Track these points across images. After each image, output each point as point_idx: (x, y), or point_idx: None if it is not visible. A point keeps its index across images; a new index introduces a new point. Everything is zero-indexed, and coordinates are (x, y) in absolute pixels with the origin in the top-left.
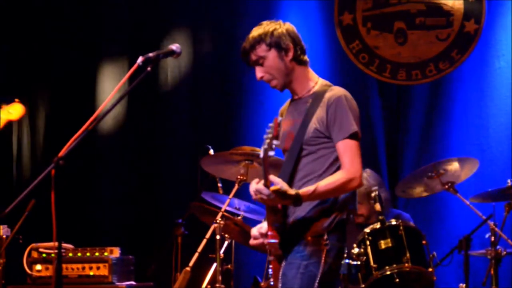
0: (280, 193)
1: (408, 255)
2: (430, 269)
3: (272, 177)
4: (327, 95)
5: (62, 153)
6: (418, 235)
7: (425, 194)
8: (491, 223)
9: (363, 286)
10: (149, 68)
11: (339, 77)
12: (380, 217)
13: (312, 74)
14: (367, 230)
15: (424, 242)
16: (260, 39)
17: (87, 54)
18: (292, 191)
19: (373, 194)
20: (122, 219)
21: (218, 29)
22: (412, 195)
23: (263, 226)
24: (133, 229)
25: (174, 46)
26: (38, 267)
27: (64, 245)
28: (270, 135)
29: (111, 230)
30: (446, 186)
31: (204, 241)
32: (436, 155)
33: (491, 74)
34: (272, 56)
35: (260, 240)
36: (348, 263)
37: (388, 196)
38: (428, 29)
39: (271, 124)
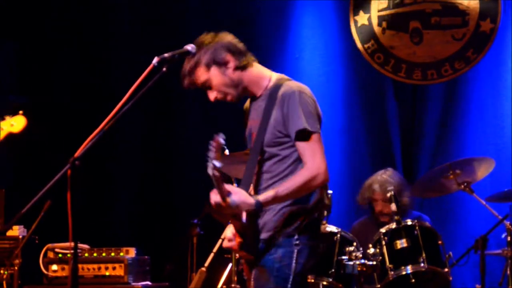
0: (235, 206)
1: (424, 255)
2: (446, 269)
3: (230, 188)
4: (280, 92)
5: (78, 153)
6: (434, 235)
7: (441, 194)
8: (507, 223)
9: (378, 286)
10: (164, 69)
11: (354, 77)
12: (396, 217)
13: (263, 70)
14: (383, 230)
15: (440, 242)
16: (195, 64)
17: (101, 54)
18: (251, 200)
19: (388, 195)
20: (137, 220)
21: (233, 29)
22: (428, 195)
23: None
24: (149, 229)
25: (190, 47)
26: (54, 267)
27: (80, 245)
28: (211, 155)
29: (126, 231)
30: (462, 186)
31: (220, 241)
32: (452, 155)
33: (507, 73)
34: (214, 74)
35: (234, 242)
36: (364, 263)
37: (411, 196)
38: (443, 28)
39: (212, 143)
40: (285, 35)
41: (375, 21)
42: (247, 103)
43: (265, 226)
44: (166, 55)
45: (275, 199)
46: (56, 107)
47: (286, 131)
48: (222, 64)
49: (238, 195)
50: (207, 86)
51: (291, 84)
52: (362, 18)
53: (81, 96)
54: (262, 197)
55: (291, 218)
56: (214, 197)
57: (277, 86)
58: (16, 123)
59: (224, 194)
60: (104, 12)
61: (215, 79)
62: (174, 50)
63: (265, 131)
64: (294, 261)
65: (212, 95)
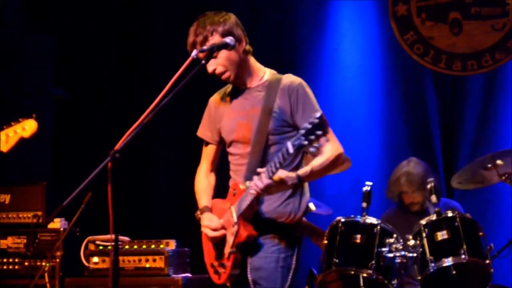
0: (282, 181)
1: (465, 247)
2: (487, 261)
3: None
4: (284, 82)
5: (118, 146)
6: (475, 227)
7: (481, 185)
8: None
9: (419, 278)
10: (203, 61)
11: (394, 69)
12: (436, 209)
13: (258, 64)
14: (423, 222)
15: (481, 233)
16: (213, 30)
17: (140, 47)
18: (293, 174)
19: (429, 186)
20: (178, 212)
21: (273, 21)
22: (468, 186)
23: (214, 218)
24: (189, 222)
25: (228, 39)
26: (95, 259)
27: (121, 237)
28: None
29: (167, 223)
30: (503, 178)
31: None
32: (493, 146)
33: None
34: (223, 51)
35: (223, 231)
36: (404, 255)
37: (438, 183)
38: (483, 19)
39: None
40: (323, 27)
41: (414, 12)
42: (220, 96)
43: (269, 215)
44: (205, 47)
45: (312, 174)
46: (96, 100)
47: (292, 120)
48: (237, 41)
49: (282, 171)
50: (213, 55)
51: (292, 77)
52: (401, 9)
53: (120, 89)
54: (301, 171)
55: (293, 210)
56: (262, 179)
57: (276, 78)
58: (28, 127)
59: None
60: (142, 4)
61: (223, 53)
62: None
63: (268, 118)
64: (296, 252)
65: (212, 67)
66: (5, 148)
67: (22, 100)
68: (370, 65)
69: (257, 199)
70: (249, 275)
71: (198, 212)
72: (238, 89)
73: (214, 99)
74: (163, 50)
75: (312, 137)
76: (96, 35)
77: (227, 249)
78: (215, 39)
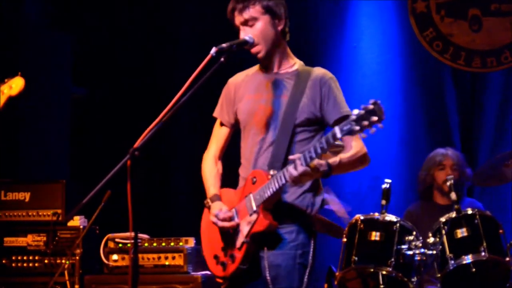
0: (315, 168)
1: (484, 244)
2: (508, 259)
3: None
4: (315, 75)
5: (137, 144)
6: (495, 224)
7: (501, 183)
8: None
9: (438, 275)
10: (222, 59)
11: (413, 66)
12: (456, 206)
13: (291, 52)
14: (443, 219)
15: (501, 231)
16: (255, 1)
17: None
18: (323, 162)
19: (448, 183)
20: (197, 210)
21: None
22: (488, 183)
23: (223, 208)
24: None
25: (247, 37)
26: (115, 257)
27: (140, 235)
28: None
29: (186, 221)
30: None
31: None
32: None
33: None
34: (264, 20)
35: (233, 222)
36: (424, 252)
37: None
38: (503, 15)
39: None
40: (343, 24)
41: (433, 9)
42: (243, 77)
43: (286, 208)
44: (224, 45)
45: (340, 166)
46: (115, 98)
47: (320, 113)
48: (277, 18)
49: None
50: (249, 24)
51: (323, 70)
52: (420, 6)
53: (139, 87)
54: (330, 160)
55: (310, 204)
56: (297, 167)
57: (307, 69)
58: (14, 85)
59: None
60: (161, 3)
61: (263, 24)
62: (232, 40)
63: (297, 108)
64: (312, 249)
65: (246, 34)
66: None
67: (41, 98)
68: (389, 62)
69: (282, 189)
70: (267, 273)
71: (208, 200)
72: (263, 72)
73: (234, 79)
74: (183, 47)
75: (365, 122)
76: (114, 34)
77: (240, 239)
78: (256, 10)
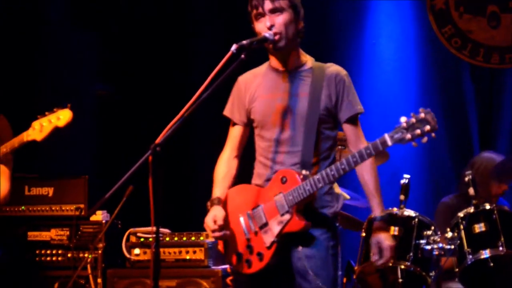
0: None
1: (502, 239)
2: None
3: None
4: (330, 71)
5: (159, 140)
6: None
7: None
8: None
9: (457, 270)
10: (243, 56)
11: (431, 62)
12: (474, 202)
13: (303, 51)
14: (461, 214)
15: None
16: None
17: (181, 42)
18: (389, 233)
19: (466, 179)
20: None
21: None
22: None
23: (219, 216)
24: None
25: (267, 33)
26: (137, 251)
27: (162, 230)
28: None
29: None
30: None
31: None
32: None
33: None
34: (289, 14)
35: (221, 233)
36: (442, 247)
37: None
38: None
39: None
40: (363, 21)
41: (452, 5)
42: (249, 75)
43: (315, 204)
44: (244, 42)
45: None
46: (138, 96)
47: (335, 110)
48: (298, 17)
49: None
50: (277, 10)
51: (337, 66)
52: (439, 3)
53: (161, 83)
54: (379, 212)
55: (335, 200)
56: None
57: (320, 66)
58: (62, 117)
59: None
60: (183, 1)
61: (288, 16)
62: (252, 37)
63: (318, 105)
64: (338, 241)
65: (270, 23)
66: (39, 137)
67: (67, 96)
68: (408, 59)
69: (317, 192)
70: (298, 264)
71: (209, 203)
72: (275, 71)
73: (245, 78)
74: (204, 45)
75: (418, 131)
76: (138, 33)
77: (270, 238)
78: (285, 2)
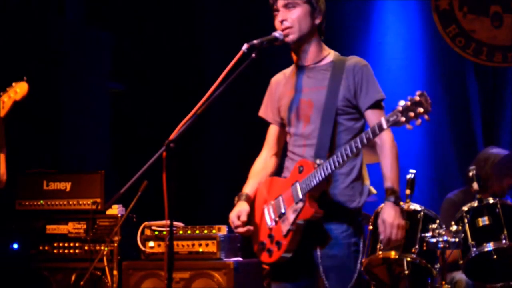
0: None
1: (505, 232)
2: None
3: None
4: (349, 63)
5: (172, 136)
6: None
7: None
8: None
9: (461, 262)
10: (253, 55)
11: (436, 61)
12: (478, 196)
13: (325, 45)
14: (465, 208)
15: None
16: None
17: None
18: (400, 212)
19: (470, 174)
20: (229, 199)
21: None
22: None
23: (243, 212)
24: None
25: (277, 33)
26: (151, 244)
27: (175, 223)
28: None
29: (219, 209)
30: None
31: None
32: None
33: None
34: (303, 9)
35: (246, 228)
36: (447, 240)
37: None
38: None
39: None
40: (369, 21)
41: (456, 6)
42: (280, 75)
43: (336, 198)
44: (255, 41)
45: (396, 187)
46: (151, 93)
47: (356, 101)
48: (315, 11)
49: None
50: (289, 7)
51: (357, 58)
52: (443, 3)
53: (175, 82)
54: (391, 195)
55: (358, 193)
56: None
57: (341, 59)
58: (19, 90)
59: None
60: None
61: (301, 11)
62: (262, 37)
63: (336, 97)
64: (361, 238)
65: (282, 17)
66: (1, 113)
67: (82, 93)
68: (413, 58)
69: (328, 177)
70: (320, 264)
71: (236, 198)
72: (301, 68)
73: (276, 78)
74: (215, 44)
75: (411, 114)
76: (151, 31)
77: (286, 226)
78: None
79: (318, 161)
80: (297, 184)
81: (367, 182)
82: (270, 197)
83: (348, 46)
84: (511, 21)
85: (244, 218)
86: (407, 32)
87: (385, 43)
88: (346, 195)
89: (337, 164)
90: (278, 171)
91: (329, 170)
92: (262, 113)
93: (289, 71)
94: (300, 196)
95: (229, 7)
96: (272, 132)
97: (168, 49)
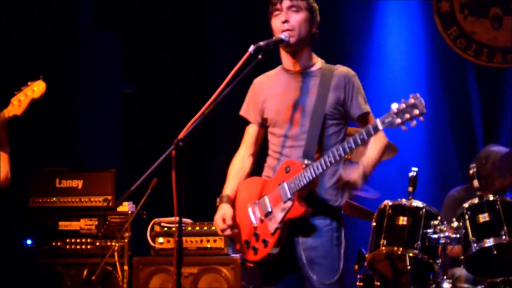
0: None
1: (505, 228)
2: None
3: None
4: (339, 72)
5: (181, 135)
6: None
7: None
8: None
9: (462, 257)
10: (260, 56)
11: (438, 62)
12: (478, 193)
13: (314, 54)
14: (466, 205)
15: None
16: None
17: (201, 43)
18: (361, 178)
19: (471, 171)
20: None
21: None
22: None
23: (227, 214)
24: None
25: (283, 35)
26: (160, 240)
27: (184, 220)
28: None
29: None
30: None
31: None
32: None
33: None
34: (305, 15)
35: (230, 232)
36: (448, 236)
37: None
38: None
39: None
40: (372, 23)
41: (457, 8)
42: (263, 77)
43: (321, 196)
44: (261, 43)
45: (372, 165)
46: (160, 94)
47: (344, 109)
48: (313, 20)
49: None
50: (293, 10)
51: (345, 68)
52: (444, 6)
53: (183, 83)
54: (363, 167)
55: (338, 193)
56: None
57: (329, 67)
58: (36, 88)
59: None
60: (202, 3)
61: (303, 16)
62: (268, 39)
63: (325, 102)
64: (343, 231)
65: (285, 18)
66: (19, 111)
67: (94, 94)
68: (416, 59)
69: (317, 178)
70: (303, 255)
71: (218, 199)
72: (287, 72)
73: (259, 80)
74: (223, 45)
75: (407, 115)
76: (160, 34)
77: (274, 225)
78: (303, 2)
79: (306, 161)
80: (285, 184)
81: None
82: (253, 197)
83: (352, 48)
84: (510, 23)
85: (229, 221)
86: (409, 34)
87: (387, 44)
88: (330, 194)
89: (328, 164)
90: (254, 170)
91: (320, 170)
92: (243, 112)
93: (272, 73)
94: (289, 195)
95: (236, 10)
96: (251, 132)
97: (177, 51)
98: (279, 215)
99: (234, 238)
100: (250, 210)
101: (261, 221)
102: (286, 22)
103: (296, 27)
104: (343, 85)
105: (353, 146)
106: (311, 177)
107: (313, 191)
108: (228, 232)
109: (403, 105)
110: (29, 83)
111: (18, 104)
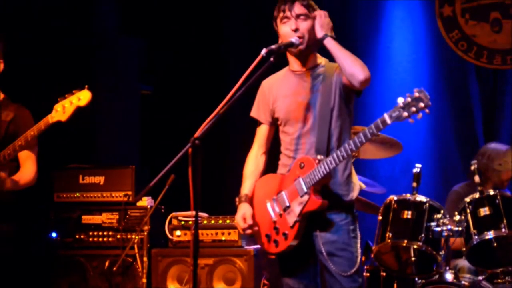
0: None
1: (505, 221)
2: None
3: None
4: (337, 72)
5: (197, 133)
6: None
7: None
8: None
9: (463, 249)
10: (272, 59)
11: (440, 64)
12: (479, 188)
13: (319, 54)
14: (467, 199)
15: None
16: (313, 5)
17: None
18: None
19: (472, 168)
20: None
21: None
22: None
23: (247, 213)
24: None
25: (293, 38)
26: (178, 233)
27: (200, 214)
28: None
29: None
30: None
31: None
32: None
33: None
34: (312, 23)
35: (250, 231)
36: (450, 229)
37: None
38: None
39: None
40: (378, 27)
41: (459, 12)
42: (271, 79)
43: (335, 190)
44: (273, 46)
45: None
46: (177, 94)
47: (347, 100)
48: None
49: None
50: (301, 18)
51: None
52: (447, 10)
53: (199, 84)
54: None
55: (353, 188)
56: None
57: (331, 65)
58: (83, 97)
59: None
60: (218, 7)
61: (309, 25)
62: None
63: (330, 98)
64: (357, 226)
65: (295, 26)
66: (63, 117)
67: (114, 95)
68: (419, 61)
69: (331, 172)
70: (322, 248)
71: (237, 199)
72: (294, 73)
73: (268, 81)
74: (236, 48)
75: (414, 109)
76: (178, 37)
77: (292, 218)
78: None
79: (319, 157)
80: (300, 179)
81: (356, 177)
82: (271, 193)
83: (359, 51)
84: (510, 26)
85: (249, 221)
86: (413, 37)
87: (393, 47)
88: (343, 189)
89: (341, 158)
90: (267, 168)
91: (333, 164)
92: (254, 113)
93: (280, 75)
94: (305, 189)
95: (250, 14)
96: (263, 131)
97: (194, 54)
98: (297, 209)
99: (257, 235)
100: (269, 206)
101: (280, 215)
102: (297, 30)
103: (305, 34)
104: (341, 76)
105: (364, 140)
106: (325, 172)
107: (327, 185)
108: (249, 231)
109: (409, 99)
110: (74, 91)
111: (62, 111)
